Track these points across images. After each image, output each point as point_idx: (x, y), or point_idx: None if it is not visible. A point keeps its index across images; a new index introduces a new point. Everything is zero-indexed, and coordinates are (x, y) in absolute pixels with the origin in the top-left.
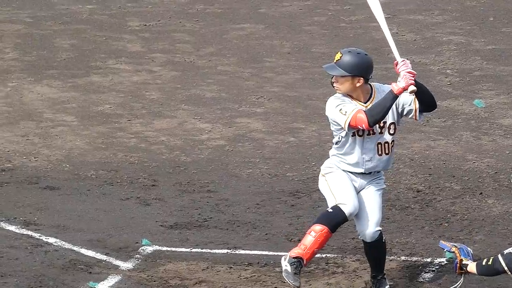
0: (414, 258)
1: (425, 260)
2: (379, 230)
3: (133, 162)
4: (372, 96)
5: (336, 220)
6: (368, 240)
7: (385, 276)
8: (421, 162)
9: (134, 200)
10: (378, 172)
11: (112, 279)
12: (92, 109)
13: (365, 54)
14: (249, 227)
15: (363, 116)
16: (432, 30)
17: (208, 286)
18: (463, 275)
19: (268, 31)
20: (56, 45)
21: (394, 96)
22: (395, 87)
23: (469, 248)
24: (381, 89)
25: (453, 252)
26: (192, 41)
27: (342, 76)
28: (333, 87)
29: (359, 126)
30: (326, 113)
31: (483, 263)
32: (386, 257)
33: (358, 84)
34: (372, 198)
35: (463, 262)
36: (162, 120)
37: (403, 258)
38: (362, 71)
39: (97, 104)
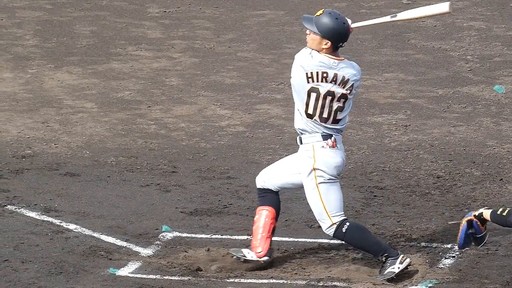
0: (435, 244)
1: (445, 246)
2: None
3: (153, 149)
4: None
5: None
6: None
7: (384, 257)
8: (441, 148)
9: (154, 187)
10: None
11: (132, 266)
12: (112, 95)
13: (343, 23)
14: None
15: None
16: (452, 16)
17: (228, 272)
18: (485, 226)
19: (288, 17)
20: (76, 32)
21: None
22: None
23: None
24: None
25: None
26: (212, 28)
27: (314, 33)
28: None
29: None
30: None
31: (498, 212)
32: (407, 243)
33: (324, 46)
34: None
35: (479, 212)
36: (182, 107)
37: (423, 244)
38: (332, 35)
39: (117, 90)
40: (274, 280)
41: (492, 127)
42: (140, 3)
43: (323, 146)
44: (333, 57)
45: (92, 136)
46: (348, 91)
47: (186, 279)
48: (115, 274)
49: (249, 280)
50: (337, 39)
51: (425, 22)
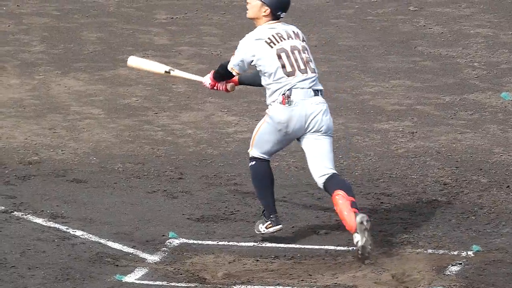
0: (441, 251)
1: (452, 253)
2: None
3: (160, 155)
4: None
5: None
6: None
7: (262, 214)
8: (448, 155)
9: (161, 193)
10: None
11: (139, 272)
12: (119, 102)
13: None
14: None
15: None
16: (459, 22)
17: (235, 279)
18: None
19: (295, 24)
20: (83, 38)
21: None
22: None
23: None
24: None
25: None
26: (219, 34)
27: None
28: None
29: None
30: None
31: None
32: (413, 249)
33: (264, 14)
34: None
35: None
36: (189, 113)
37: (430, 251)
38: (271, 2)
39: (124, 97)
40: (280, 287)
41: (499, 134)
42: (147, 9)
43: (278, 102)
44: (274, 21)
45: (99, 143)
46: (305, 42)
47: (193, 285)
48: (121, 280)
49: (255, 287)
50: (276, 6)
51: (432, 28)
